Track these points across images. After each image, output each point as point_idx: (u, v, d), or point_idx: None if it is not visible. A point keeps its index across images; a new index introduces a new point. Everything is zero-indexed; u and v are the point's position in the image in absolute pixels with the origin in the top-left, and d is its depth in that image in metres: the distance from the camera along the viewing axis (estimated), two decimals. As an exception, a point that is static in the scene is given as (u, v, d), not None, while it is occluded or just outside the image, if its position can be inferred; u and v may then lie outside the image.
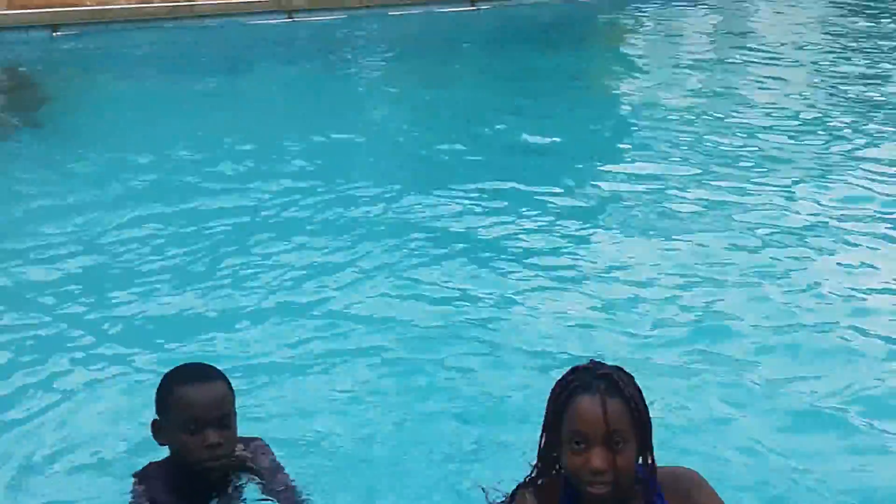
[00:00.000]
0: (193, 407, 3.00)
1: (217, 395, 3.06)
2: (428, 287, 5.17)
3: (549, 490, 2.68)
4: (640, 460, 2.62)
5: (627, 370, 2.67)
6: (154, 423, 3.14)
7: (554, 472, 2.69)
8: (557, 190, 6.64)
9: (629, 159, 7.44)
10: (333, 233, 5.93)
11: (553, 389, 2.64)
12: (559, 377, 2.65)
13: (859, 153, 7.39)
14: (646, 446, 2.61)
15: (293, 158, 7.32)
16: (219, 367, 3.22)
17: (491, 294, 5.10)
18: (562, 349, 4.51)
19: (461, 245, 5.73)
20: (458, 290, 5.15)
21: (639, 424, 2.57)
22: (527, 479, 2.76)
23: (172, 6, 11.82)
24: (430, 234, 5.90)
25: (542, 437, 2.69)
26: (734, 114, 8.51)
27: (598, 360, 2.71)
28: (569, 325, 4.78)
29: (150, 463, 3.25)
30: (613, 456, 2.51)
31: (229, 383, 3.14)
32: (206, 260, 5.57)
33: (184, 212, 6.24)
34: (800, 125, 8.22)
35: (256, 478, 3.26)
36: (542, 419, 2.68)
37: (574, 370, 2.64)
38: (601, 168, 7.35)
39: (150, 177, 6.88)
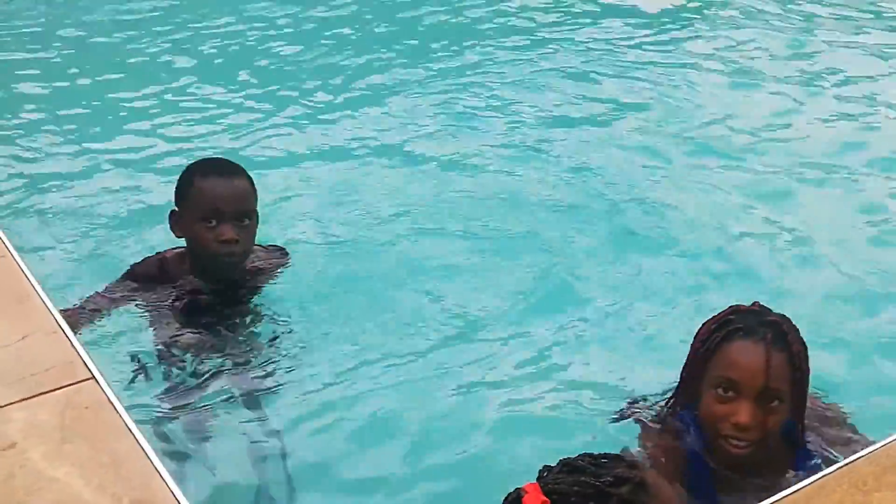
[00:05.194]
0: (212, 199, 2.95)
1: (237, 190, 3.00)
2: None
3: (670, 435, 2.44)
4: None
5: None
6: (172, 213, 3.08)
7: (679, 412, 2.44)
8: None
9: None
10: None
11: (706, 325, 2.38)
12: (715, 314, 2.38)
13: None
14: (798, 411, 2.35)
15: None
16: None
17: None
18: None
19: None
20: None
21: (798, 386, 2.31)
22: (648, 419, 2.53)
23: None
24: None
25: (680, 376, 2.44)
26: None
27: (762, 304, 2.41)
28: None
29: (170, 250, 3.20)
30: (764, 415, 2.26)
31: (252, 182, 3.07)
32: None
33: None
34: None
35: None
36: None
37: (736, 310, 2.37)
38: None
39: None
